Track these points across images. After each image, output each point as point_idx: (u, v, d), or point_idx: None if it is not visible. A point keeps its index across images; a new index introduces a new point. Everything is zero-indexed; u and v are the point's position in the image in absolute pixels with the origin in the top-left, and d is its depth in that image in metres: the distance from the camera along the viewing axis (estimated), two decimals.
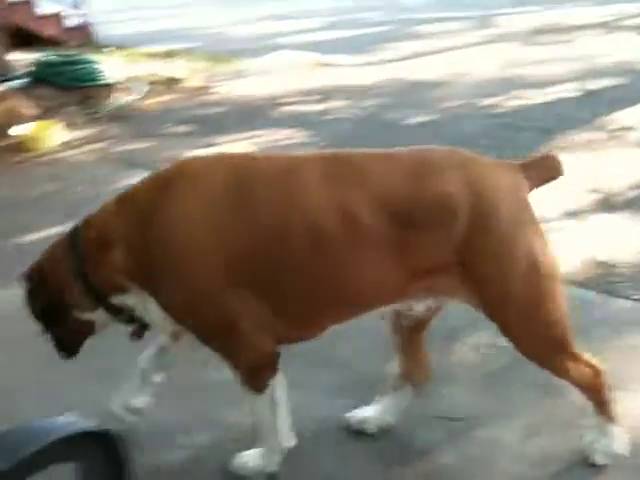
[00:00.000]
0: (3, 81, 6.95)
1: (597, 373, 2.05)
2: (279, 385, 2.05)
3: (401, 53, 8.24)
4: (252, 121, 6.08)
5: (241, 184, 1.90)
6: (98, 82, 7.18)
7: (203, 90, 7.28)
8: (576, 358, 2.03)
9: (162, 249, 1.90)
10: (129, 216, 1.95)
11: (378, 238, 1.85)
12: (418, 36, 9.18)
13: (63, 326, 2.06)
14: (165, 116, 6.52)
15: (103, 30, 10.31)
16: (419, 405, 2.37)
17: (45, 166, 5.46)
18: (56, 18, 9.92)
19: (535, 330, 2.00)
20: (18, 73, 7.35)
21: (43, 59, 7.42)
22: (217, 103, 6.80)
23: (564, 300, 2.00)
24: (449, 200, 1.87)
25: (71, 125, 6.28)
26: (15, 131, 5.80)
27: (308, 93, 6.84)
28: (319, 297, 1.93)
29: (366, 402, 2.39)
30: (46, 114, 6.51)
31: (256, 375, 2.00)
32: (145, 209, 1.92)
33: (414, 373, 2.30)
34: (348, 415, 2.39)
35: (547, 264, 1.96)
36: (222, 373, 2.12)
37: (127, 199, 2.01)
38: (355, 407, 2.39)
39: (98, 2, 10.50)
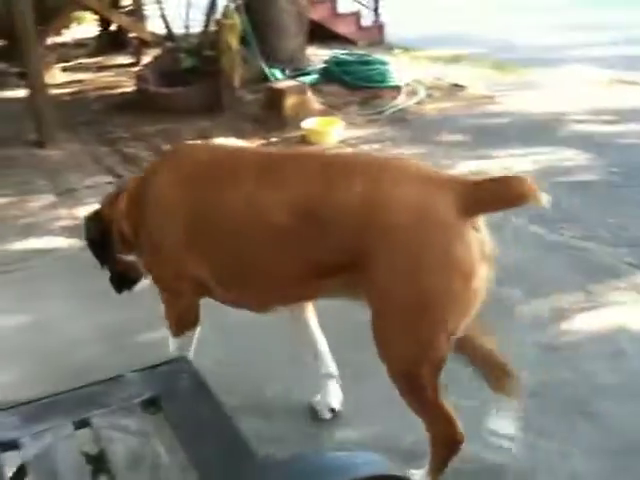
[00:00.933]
0: (300, 75, 7.44)
1: (450, 430, 2.02)
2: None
3: None
4: (533, 137, 5.82)
5: (204, 170, 2.28)
6: (386, 83, 7.37)
7: (485, 99, 7.12)
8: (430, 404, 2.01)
9: (148, 215, 2.35)
10: (138, 188, 2.42)
11: (289, 234, 2.03)
12: None
13: (110, 262, 2.60)
14: (443, 123, 6.49)
15: (391, 30, 10.58)
16: None
17: None
18: (354, 17, 10.29)
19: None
20: (312, 68, 7.83)
21: (337, 57, 7.79)
22: (498, 114, 6.60)
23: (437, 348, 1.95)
24: (341, 205, 1.96)
25: (350, 124, 6.51)
26: (305, 124, 6.18)
27: (600, 112, 6.37)
28: (249, 274, 2.21)
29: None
30: (329, 110, 6.86)
31: (180, 324, 2.48)
32: (144, 184, 2.39)
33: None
34: None
35: (430, 309, 1.92)
36: None
37: (143, 175, 2.50)
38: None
39: (390, 2, 10.78)
